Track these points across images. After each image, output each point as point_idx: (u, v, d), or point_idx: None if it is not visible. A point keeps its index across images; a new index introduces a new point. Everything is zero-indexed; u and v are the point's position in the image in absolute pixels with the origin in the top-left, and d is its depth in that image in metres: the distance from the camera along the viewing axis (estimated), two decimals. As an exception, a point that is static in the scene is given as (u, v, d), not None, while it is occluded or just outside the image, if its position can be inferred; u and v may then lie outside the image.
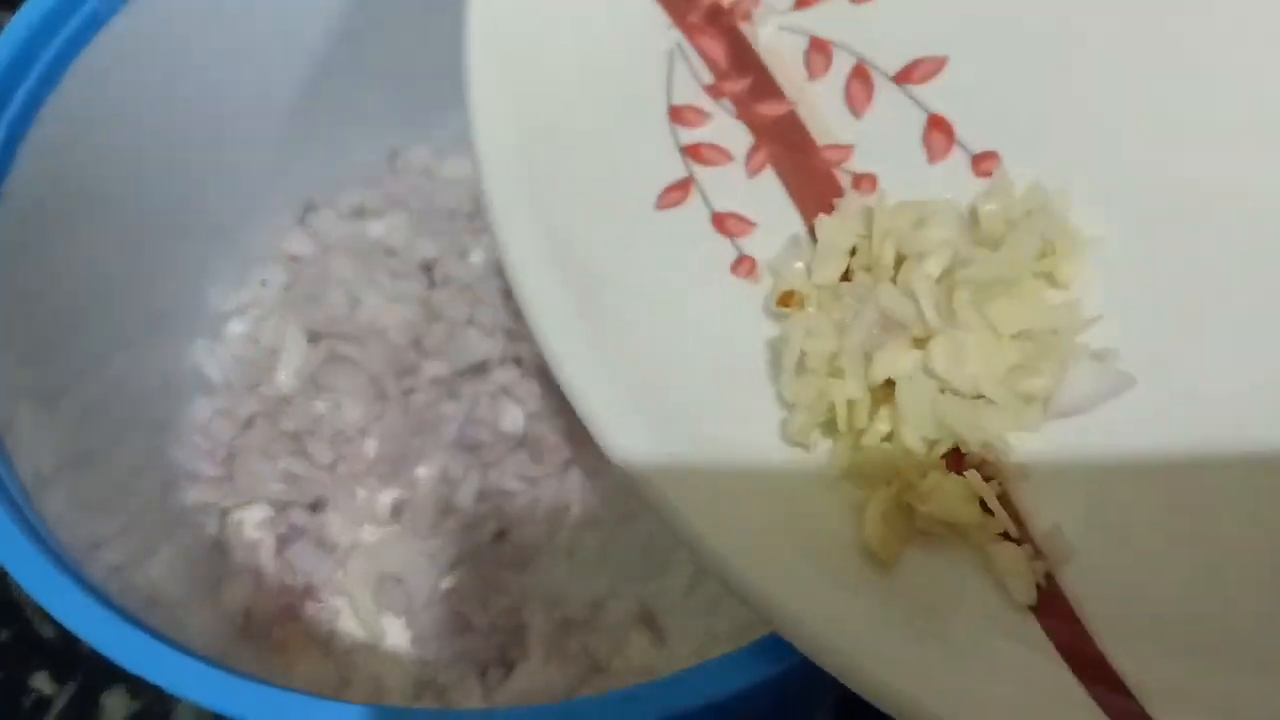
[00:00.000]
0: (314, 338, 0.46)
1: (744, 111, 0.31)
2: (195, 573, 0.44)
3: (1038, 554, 0.25)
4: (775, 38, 0.32)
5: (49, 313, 0.38)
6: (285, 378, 0.45)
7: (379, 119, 0.50)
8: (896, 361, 0.26)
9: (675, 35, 0.31)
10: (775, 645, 0.27)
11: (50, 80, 0.37)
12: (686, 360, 0.27)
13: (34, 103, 0.37)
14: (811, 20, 0.32)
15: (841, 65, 0.31)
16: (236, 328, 0.48)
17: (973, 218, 0.29)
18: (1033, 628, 0.23)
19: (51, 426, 0.37)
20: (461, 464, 0.43)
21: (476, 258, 0.46)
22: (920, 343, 0.27)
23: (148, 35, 0.40)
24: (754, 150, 0.30)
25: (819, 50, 0.31)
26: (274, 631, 0.44)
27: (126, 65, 0.40)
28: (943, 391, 0.26)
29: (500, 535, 0.43)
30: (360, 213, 0.49)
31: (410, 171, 0.49)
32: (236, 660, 0.43)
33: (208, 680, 0.28)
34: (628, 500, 0.43)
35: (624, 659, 0.42)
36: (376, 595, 0.43)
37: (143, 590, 0.37)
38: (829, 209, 0.29)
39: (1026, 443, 0.26)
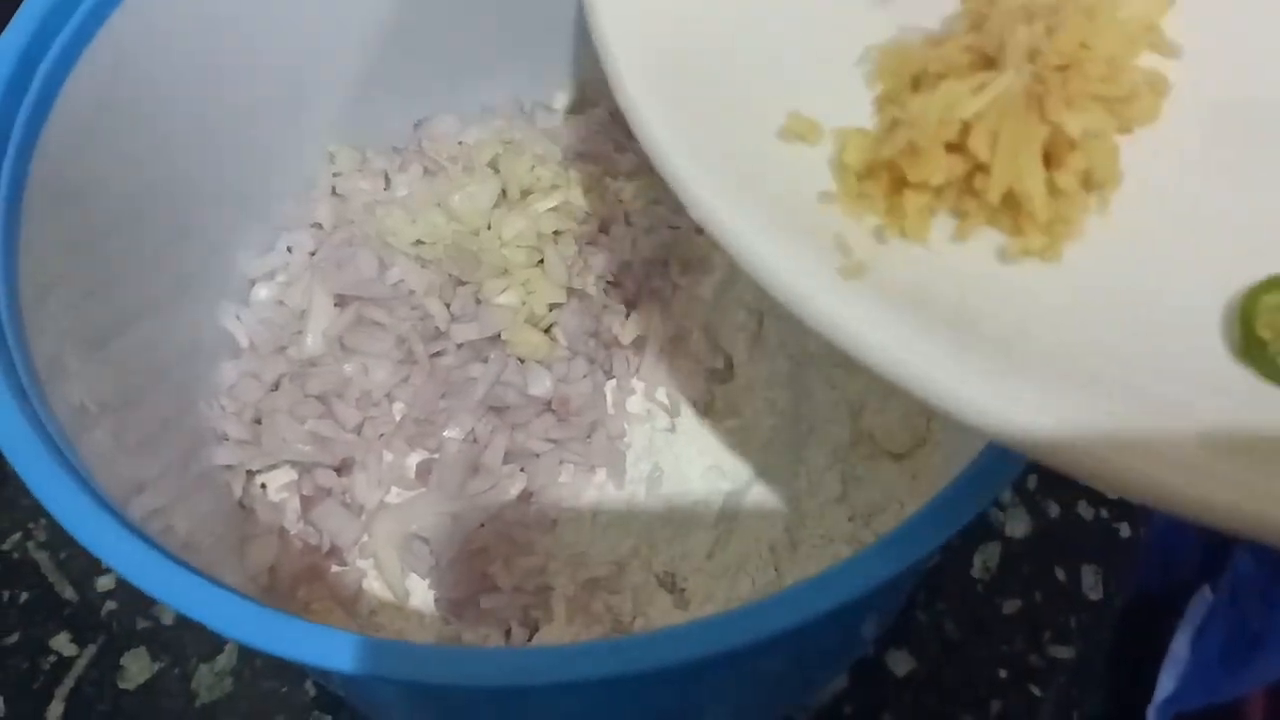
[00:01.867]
0: (341, 301, 0.46)
1: None
2: (221, 533, 0.44)
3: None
4: None
5: (92, 262, 0.39)
6: (312, 341, 0.46)
7: (407, 88, 0.50)
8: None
9: None
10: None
11: (84, 36, 0.38)
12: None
13: (68, 59, 0.37)
14: None
15: None
16: (264, 292, 0.48)
17: None
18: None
19: (95, 373, 0.37)
20: (489, 426, 0.43)
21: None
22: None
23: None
24: None
25: None
26: (299, 592, 0.44)
27: (160, 27, 0.41)
28: None
29: (526, 497, 0.43)
30: (387, 180, 0.49)
31: (437, 139, 0.50)
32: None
33: (257, 619, 0.28)
34: (651, 464, 0.44)
35: (646, 620, 0.43)
36: (402, 556, 0.43)
37: (181, 537, 0.37)
38: None
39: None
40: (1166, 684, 0.73)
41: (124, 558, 0.28)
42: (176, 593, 0.29)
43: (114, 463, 0.37)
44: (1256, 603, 0.72)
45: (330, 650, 0.27)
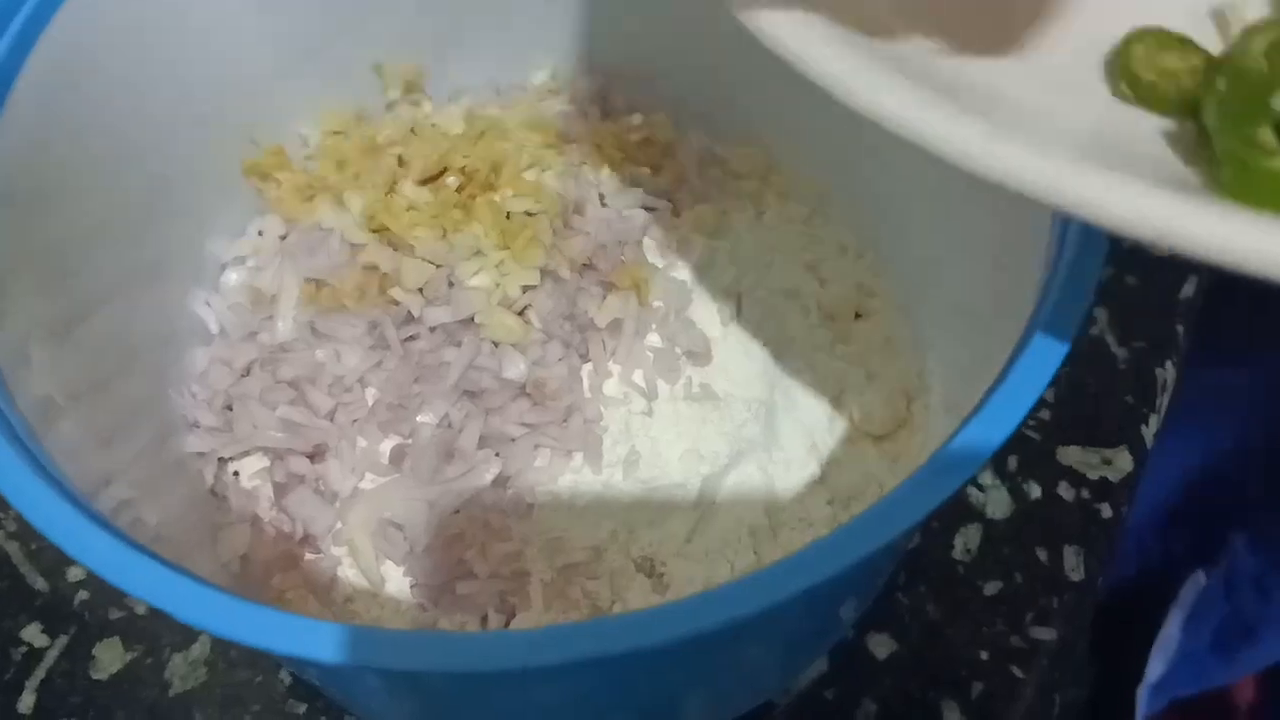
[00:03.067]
0: (312, 285, 0.45)
1: None
2: (192, 522, 0.44)
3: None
4: None
5: (57, 245, 0.38)
6: (283, 326, 0.45)
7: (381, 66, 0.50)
8: None
9: None
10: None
11: (49, 7, 0.37)
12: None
13: (27, 35, 0.36)
14: None
15: None
16: (234, 277, 0.47)
17: None
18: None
19: (60, 362, 0.36)
20: (463, 410, 0.43)
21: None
22: None
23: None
24: None
25: None
26: (272, 580, 0.43)
27: (126, 3, 0.40)
28: None
29: (502, 481, 0.43)
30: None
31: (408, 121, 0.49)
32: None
33: (230, 610, 0.27)
34: (628, 447, 0.43)
35: (625, 605, 0.42)
36: (376, 543, 0.43)
37: (152, 529, 0.37)
38: None
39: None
40: (1156, 666, 0.73)
41: (92, 552, 0.28)
42: (146, 585, 0.28)
43: (82, 453, 0.37)
44: (1251, 592, 0.72)
45: (302, 639, 0.26)
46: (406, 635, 0.27)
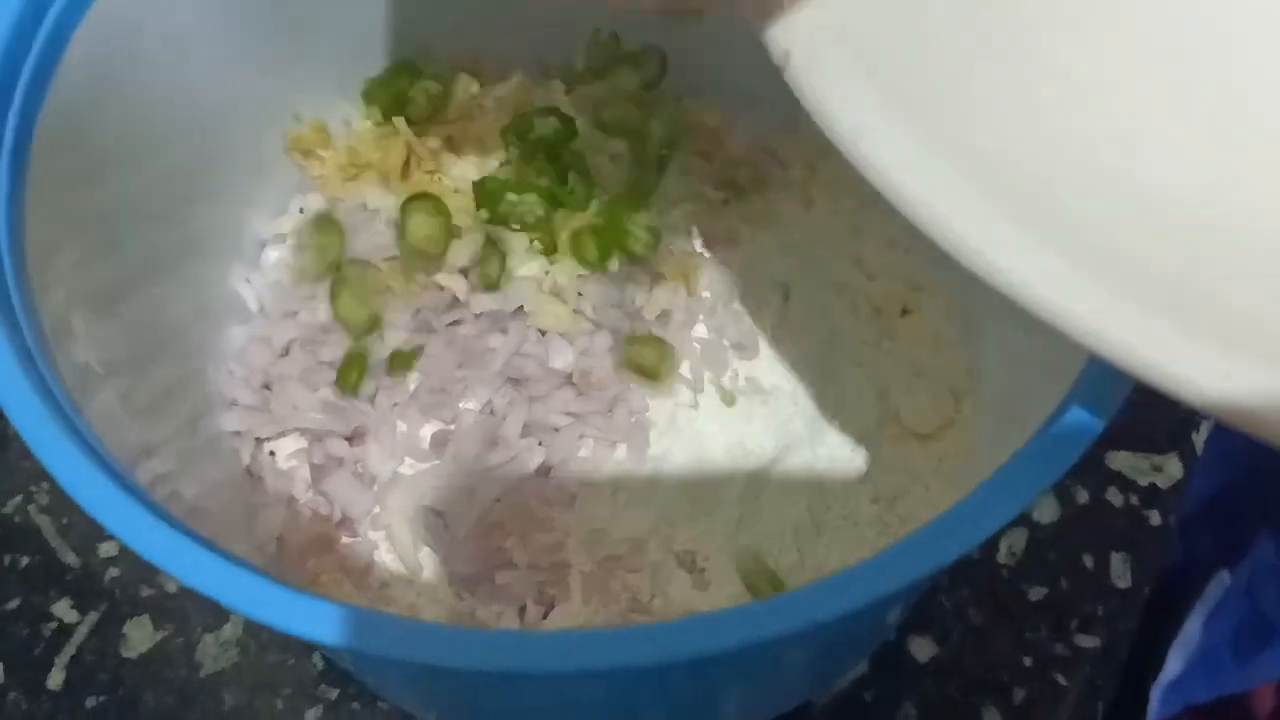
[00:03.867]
0: (355, 265, 0.45)
1: None
2: (228, 501, 0.43)
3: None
4: None
5: (101, 220, 0.37)
6: (325, 306, 0.44)
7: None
8: None
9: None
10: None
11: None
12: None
13: (77, 8, 0.36)
14: None
15: None
16: (275, 254, 0.47)
17: None
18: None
19: (101, 333, 0.36)
20: (506, 398, 0.42)
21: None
22: None
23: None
24: None
25: None
26: (308, 563, 0.43)
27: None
28: None
29: (544, 471, 0.42)
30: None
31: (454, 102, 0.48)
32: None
33: (263, 591, 0.27)
34: (673, 440, 0.42)
35: (665, 599, 0.42)
36: (415, 529, 0.42)
37: (188, 503, 0.36)
38: None
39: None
40: (1174, 664, 0.72)
41: (126, 524, 0.27)
42: (178, 562, 0.27)
43: (120, 426, 0.36)
44: (1273, 592, 0.71)
45: (336, 626, 0.26)
46: (443, 631, 0.26)
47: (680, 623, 0.25)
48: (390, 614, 0.26)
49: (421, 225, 0.42)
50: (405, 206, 0.42)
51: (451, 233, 0.43)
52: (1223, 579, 0.72)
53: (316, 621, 0.26)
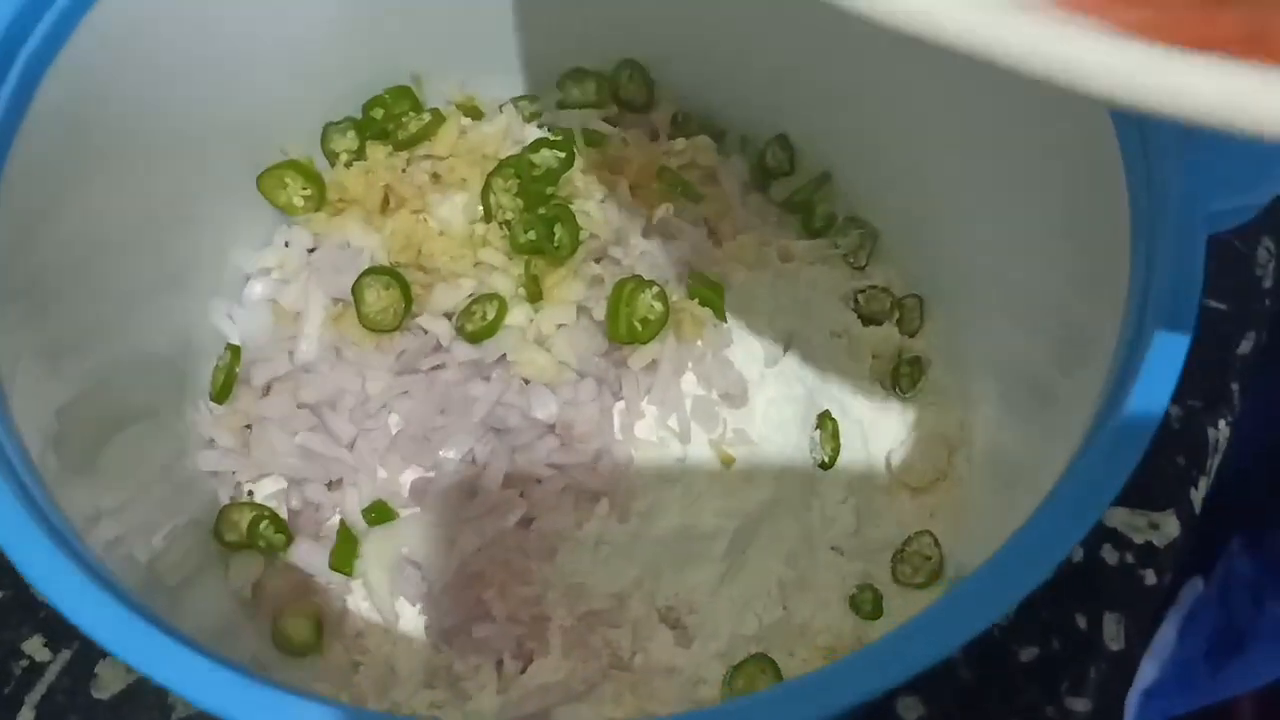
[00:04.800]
0: (339, 305, 0.44)
1: None
2: (203, 545, 0.42)
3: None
4: None
5: (61, 263, 0.36)
6: (306, 346, 0.43)
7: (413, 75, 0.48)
8: None
9: None
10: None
11: (72, 16, 0.35)
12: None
13: (55, 39, 0.35)
14: None
15: None
16: (258, 289, 0.46)
17: None
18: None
19: (57, 386, 0.35)
20: (488, 447, 0.41)
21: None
22: None
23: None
24: None
25: None
26: (284, 610, 0.42)
27: (157, 6, 0.38)
28: None
29: (525, 523, 0.41)
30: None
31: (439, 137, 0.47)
32: (241, 640, 0.41)
33: (193, 671, 0.26)
34: (658, 492, 0.41)
35: (646, 656, 0.41)
36: (392, 579, 0.41)
37: (143, 565, 0.35)
38: None
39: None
40: (1149, 671, 0.71)
41: (86, 613, 0.26)
42: (116, 638, 0.27)
43: (89, 471, 0.35)
44: (1246, 600, 0.70)
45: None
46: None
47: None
48: (365, 711, 0.25)
49: (375, 300, 0.42)
50: (358, 282, 0.42)
51: (435, 276, 0.42)
52: (1196, 585, 0.71)
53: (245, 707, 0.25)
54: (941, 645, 0.26)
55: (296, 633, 0.41)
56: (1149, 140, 0.31)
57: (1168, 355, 0.28)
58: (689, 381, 0.43)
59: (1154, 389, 0.28)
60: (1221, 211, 0.30)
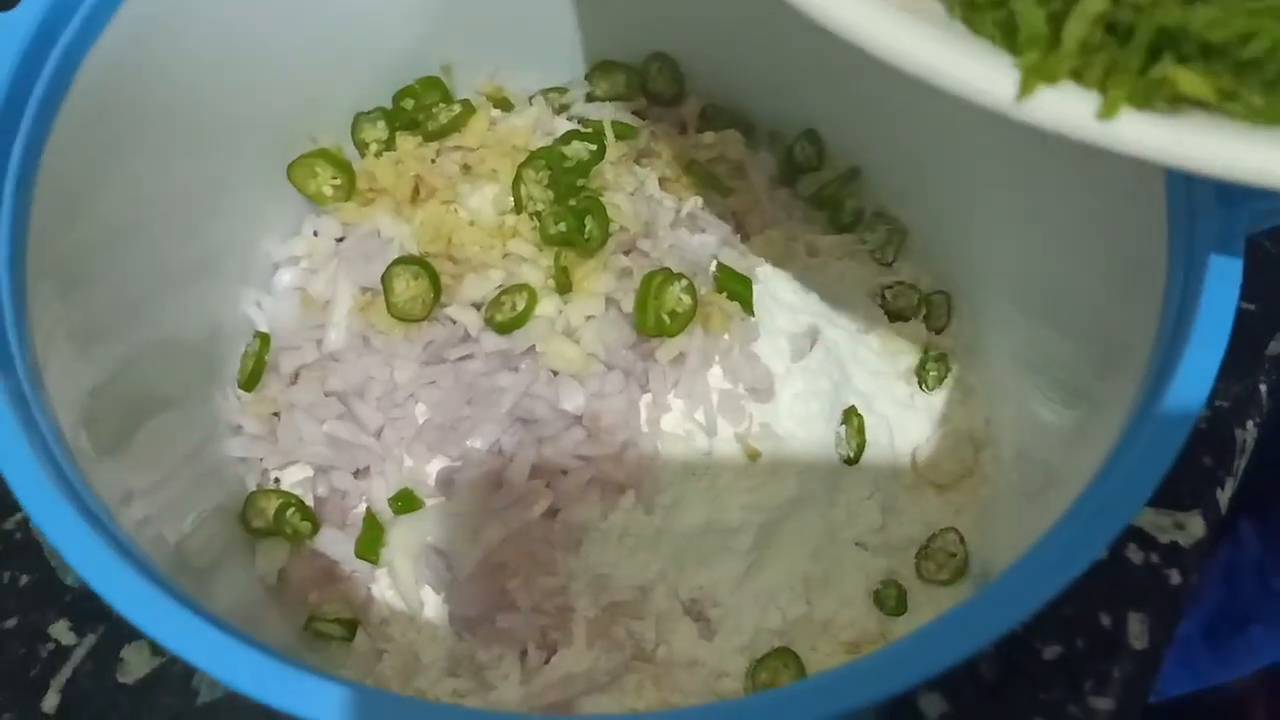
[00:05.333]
0: (367, 294, 0.44)
1: None
2: (231, 531, 0.42)
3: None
4: None
5: (95, 245, 0.36)
6: (335, 335, 0.43)
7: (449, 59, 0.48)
8: None
9: None
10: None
11: (107, 7, 0.35)
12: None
13: (90, 30, 0.35)
14: None
15: None
16: (287, 277, 0.46)
17: None
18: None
19: (90, 368, 0.35)
20: (515, 438, 0.41)
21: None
22: None
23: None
24: None
25: None
26: (309, 596, 0.42)
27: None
28: None
29: (550, 514, 0.41)
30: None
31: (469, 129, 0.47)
32: (266, 625, 0.42)
33: (226, 651, 0.26)
34: (683, 485, 0.41)
35: (669, 648, 0.41)
36: (417, 567, 0.41)
37: (172, 547, 0.35)
38: None
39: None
40: None
41: (101, 574, 0.26)
42: (147, 616, 0.27)
43: (119, 453, 0.36)
44: (1253, 581, 0.70)
45: (318, 704, 0.25)
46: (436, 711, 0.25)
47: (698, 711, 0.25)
48: (371, 691, 0.25)
49: (404, 289, 0.42)
50: (387, 271, 0.42)
51: (465, 267, 0.42)
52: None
53: (296, 696, 0.25)
54: (969, 644, 0.26)
55: (329, 629, 0.41)
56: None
57: (1205, 356, 0.28)
58: (716, 375, 0.43)
59: (1190, 390, 0.28)
60: (1262, 210, 0.30)
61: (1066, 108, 0.23)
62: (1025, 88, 0.23)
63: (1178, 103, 0.23)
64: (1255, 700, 0.78)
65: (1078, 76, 0.23)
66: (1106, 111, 0.23)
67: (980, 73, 0.24)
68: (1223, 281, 0.29)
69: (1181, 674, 0.71)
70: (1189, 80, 0.23)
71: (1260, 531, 0.69)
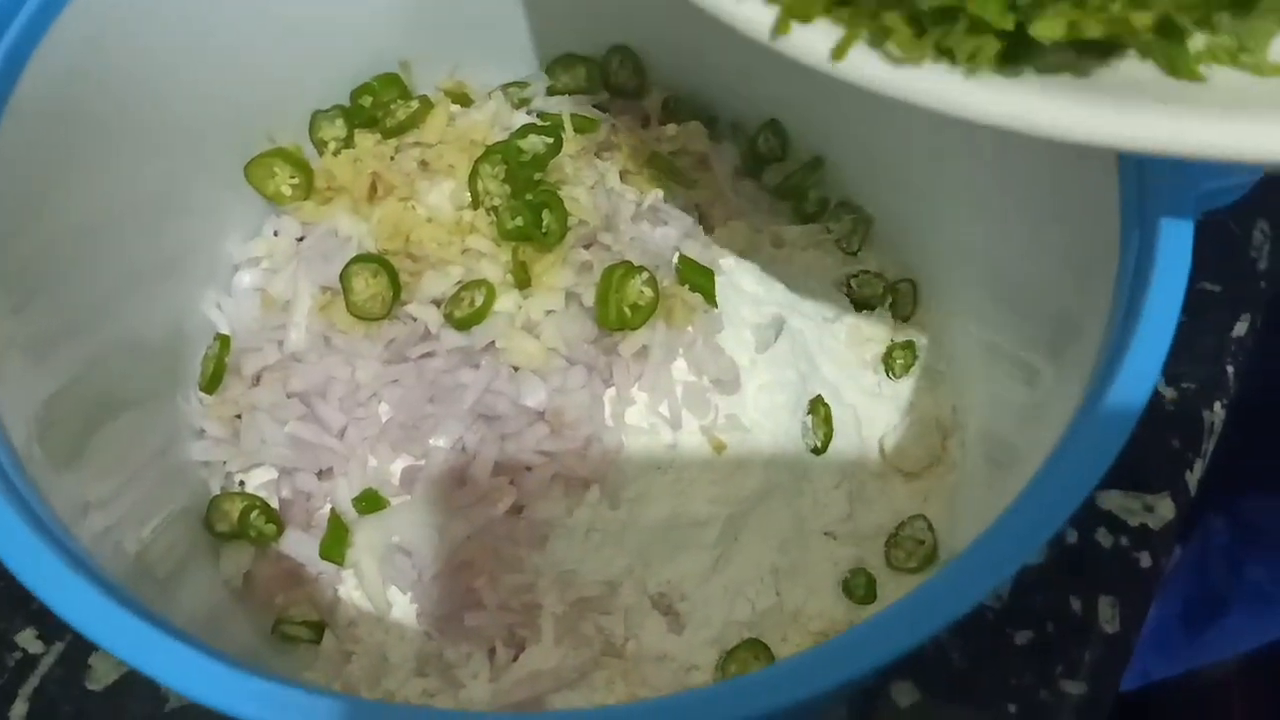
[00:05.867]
0: (327, 293, 0.44)
1: None
2: (194, 535, 0.42)
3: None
4: None
5: (50, 250, 0.36)
6: (296, 335, 0.43)
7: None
8: None
9: None
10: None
11: (56, 4, 0.35)
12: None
13: (38, 26, 0.34)
14: None
15: None
16: (247, 279, 0.46)
17: None
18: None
19: (46, 376, 0.35)
20: (478, 435, 0.41)
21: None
22: None
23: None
24: None
25: None
26: (275, 599, 0.42)
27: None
28: None
29: (515, 510, 0.41)
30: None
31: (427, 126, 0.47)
32: (232, 629, 0.41)
33: (183, 663, 0.26)
34: (649, 480, 0.41)
35: (639, 643, 0.41)
36: (383, 567, 0.41)
37: (132, 557, 0.35)
38: None
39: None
40: None
41: (74, 607, 0.26)
42: (105, 631, 0.26)
43: (77, 462, 0.35)
44: (1223, 564, 0.70)
45: (283, 713, 0.25)
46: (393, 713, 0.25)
47: (666, 701, 0.25)
48: (356, 699, 0.25)
49: (363, 288, 0.41)
50: (345, 270, 0.42)
51: (423, 264, 0.42)
52: (1174, 553, 0.72)
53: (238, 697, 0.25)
54: (928, 625, 0.26)
55: (296, 632, 0.41)
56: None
57: (1156, 335, 0.28)
58: (680, 368, 0.43)
59: (1142, 368, 0.28)
60: (1212, 190, 0.30)
61: (812, 43, 0.26)
62: (780, 25, 0.26)
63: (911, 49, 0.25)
64: (1234, 686, 0.78)
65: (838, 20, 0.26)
66: (838, 52, 0.26)
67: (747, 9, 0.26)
68: (1173, 261, 0.29)
69: (1160, 658, 0.72)
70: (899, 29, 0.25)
71: (1230, 518, 0.69)
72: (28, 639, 0.45)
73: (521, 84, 0.50)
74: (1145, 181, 0.30)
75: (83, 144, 0.38)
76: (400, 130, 0.46)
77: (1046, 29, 0.24)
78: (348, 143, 0.46)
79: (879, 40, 0.26)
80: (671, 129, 0.48)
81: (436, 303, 0.42)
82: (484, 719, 0.26)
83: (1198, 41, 0.25)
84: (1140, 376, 0.28)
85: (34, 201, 0.35)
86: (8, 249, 0.34)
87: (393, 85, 0.47)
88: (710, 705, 0.25)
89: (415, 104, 0.46)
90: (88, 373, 0.38)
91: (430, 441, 0.41)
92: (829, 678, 0.25)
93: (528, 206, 0.41)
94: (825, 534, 0.44)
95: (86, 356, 0.38)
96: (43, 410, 0.34)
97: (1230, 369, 0.50)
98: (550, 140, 0.43)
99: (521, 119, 0.46)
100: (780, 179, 0.50)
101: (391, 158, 0.45)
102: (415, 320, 0.42)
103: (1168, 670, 0.72)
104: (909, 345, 0.47)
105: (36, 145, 0.35)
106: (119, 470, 0.38)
